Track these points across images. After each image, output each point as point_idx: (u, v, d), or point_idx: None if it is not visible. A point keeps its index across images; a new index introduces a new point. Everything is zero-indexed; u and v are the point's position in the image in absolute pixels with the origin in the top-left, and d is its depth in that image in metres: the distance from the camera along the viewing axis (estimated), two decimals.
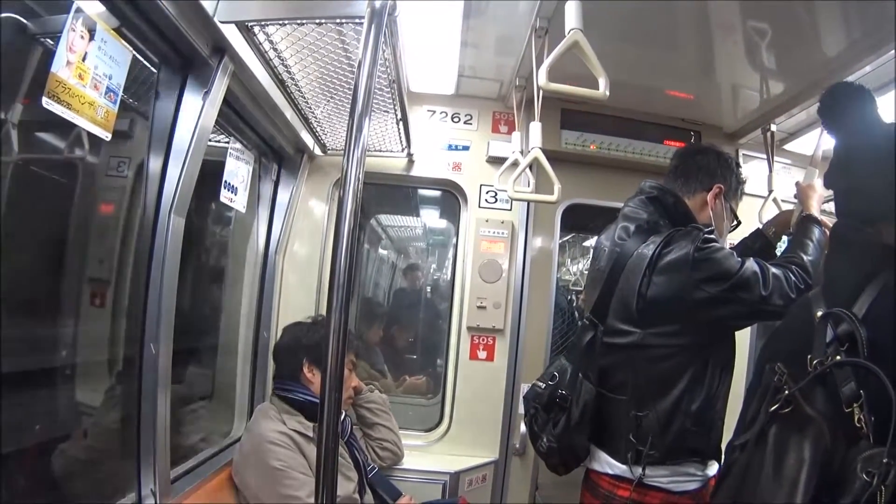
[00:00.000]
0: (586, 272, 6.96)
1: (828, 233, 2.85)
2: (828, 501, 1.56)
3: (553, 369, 2.92)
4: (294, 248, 4.55)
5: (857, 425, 1.53)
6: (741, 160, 4.58)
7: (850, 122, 2.01)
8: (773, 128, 4.16)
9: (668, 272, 2.59)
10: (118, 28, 2.22)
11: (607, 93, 2.36)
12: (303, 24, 2.50)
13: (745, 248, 3.25)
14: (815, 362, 1.70)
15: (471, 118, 4.70)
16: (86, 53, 2.03)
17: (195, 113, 2.72)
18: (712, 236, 2.63)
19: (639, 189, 3.00)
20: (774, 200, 3.94)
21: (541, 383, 2.93)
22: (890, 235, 1.73)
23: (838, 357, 1.64)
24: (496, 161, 4.47)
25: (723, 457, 2.34)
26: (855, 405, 1.55)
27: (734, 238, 3.35)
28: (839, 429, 1.60)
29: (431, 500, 4.12)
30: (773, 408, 1.80)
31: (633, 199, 2.97)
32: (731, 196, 2.99)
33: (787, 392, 1.77)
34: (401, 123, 3.77)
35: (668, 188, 2.93)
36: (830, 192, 2.82)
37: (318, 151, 4.45)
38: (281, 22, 2.49)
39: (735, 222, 3.08)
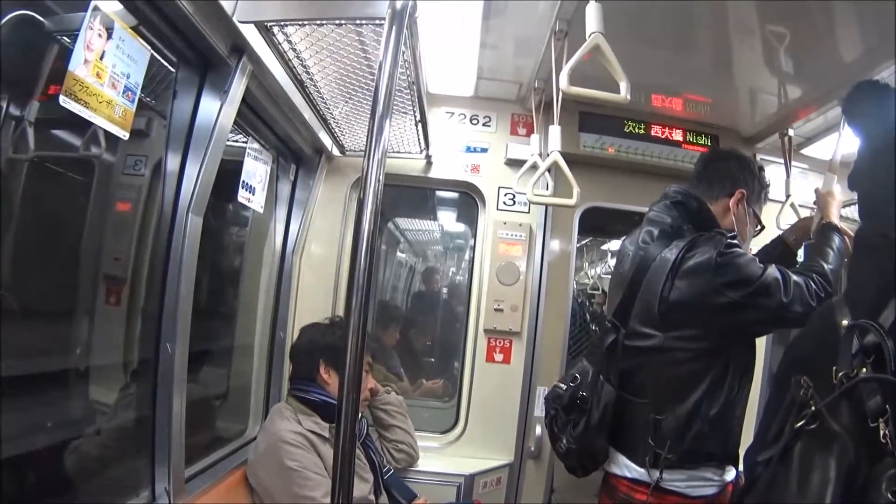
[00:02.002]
0: (604, 276, 6.95)
1: (848, 240, 2.85)
2: None
3: (574, 371, 2.92)
4: (311, 248, 4.56)
5: (883, 441, 1.51)
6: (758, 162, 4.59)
7: (876, 121, 1.98)
8: (791, 132, 4.15)
9: (691, 276, 2.59)
10: (136, 27, 2.22)
11: (629, 96, 2.36)
12: (322, 24, 2.50)
13: (765, 254, 3.24)
14: (840, 375, 1.68)
15: (489, 120, 4.70)
16: (104, 52, 2.02)
17: (213, 112, 2.72)
18: (735, 241, 2.64)
19: (664, 194, 3.00)
20: (792, 205, 3.93)
21: (562, 385, 2.94)
22: None
23: (864, 370, 1.61)
24: (514, 163, 4.47)
25: (741, 466, 2.33)
26: (881, 420, 1.52)
27: (757, 243, 3.34)
28: (864, 442, 1.57)
29: (446, 502, 4.12)
30: (798, 424, 1.78)
31: (658, 204, 2.98)
32: (755, 201, 2.99)
33: (813, 407, 1.75)
34: (419, 125, 3.78)
35: (693, 193, 2.92)
36: (849, 197, 2.79)
37: (336, 152, 4.44)
38: (300, 22, 2.49)
39: (759, 227, 3.08)
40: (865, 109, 2.04)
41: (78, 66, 1.93)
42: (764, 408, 2.14)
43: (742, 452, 2.57)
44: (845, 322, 1.77)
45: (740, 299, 2.51)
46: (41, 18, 2.06)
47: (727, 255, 2.54)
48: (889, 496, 1.43)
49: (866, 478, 1.53)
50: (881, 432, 1.51)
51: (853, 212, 3.74)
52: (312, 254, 4.57)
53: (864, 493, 1.52)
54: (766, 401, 2.20)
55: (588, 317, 6.60)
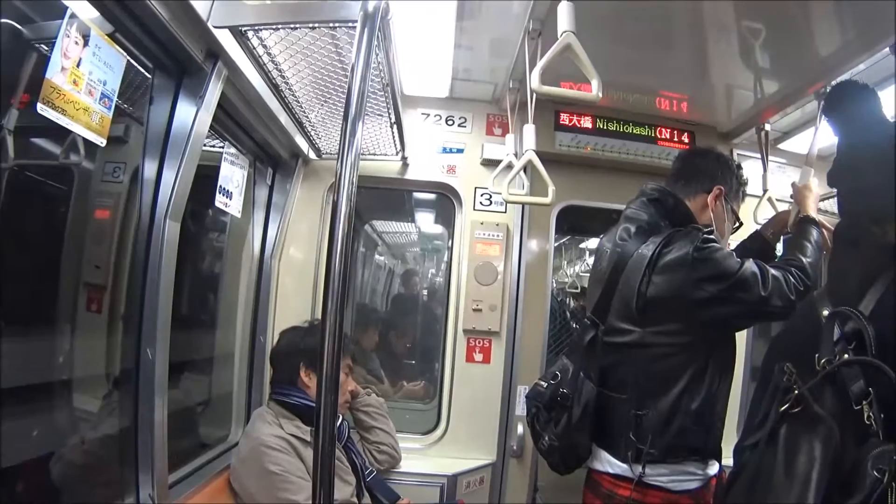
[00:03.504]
0: (583, 274, 6.97)
1: (826, 233, 2.88)
2: (839, 499, 1.57)
3: (555, 368, 2.93)
4: (290, 252, 4.55)
5: (867, 423, 1.55)
6: (736, 160, 4.61)
7: (855, 120, 2.03)
8: (768, 127, 4.19)
9: (668, 271, 2.61)
10: (112, 33, 2.22)
11: (600, 94, 2.36)
12: (296, 28, 2.51)
13: (743, 250, 3.26)
14: (822, 361, 1.71)
15: (465, 121, 4.71)
16: (80, 59, 2.03)
17: (190, 118, 2.72)
18: (712, 237, 2.65)
19: (640, 191, 3.01)
20: (769, 200, 3.95)
21: (543, 382, 2.94)
22: (894, 234, 1.75)
23: (846, 356, 1.66)
24: (491, 163, 4.47)
25: (725, 457, 2.36)
26: (864, 403, 1.57)
27: (735, 238, 3.36)
28: (849, 427, 1.61)
29: (429, 502, 4.12)
30: (783, 408, 1.81)
31: (635, 201, 2.99)
32: (732, 198, 3.01)
33: (796, 392, 1.78)
34: (395, 127, 3.78)
35: (669, 190, 2.94)
36: (826, 190, 2.83)
37: (312, 156, 4.45)
38: (274, 27, 2.50)
39: (737, 223, 3.09)
40: (845, 108, 2.08)
41: (55, 74, 1.93)
42: (752, 399, 2.18)
43: (724, 446, 2.60)
44: (826, 311, 1.81)
45: (718, 294, 2.53)
46: (19, 26, 2.06)
47: (704, 249, 2.56)
48: (875, 473, 1.47)
49: (853, 459, 1.57)
50: (865, 414, 1.55)
51: (830, 205, 3.78)
52: (291, 258, 4.56)
53: (850, 472, 1.56)
54: (752, 393, 2.24)
55: (568, 315, 6.62)
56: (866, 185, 1.90)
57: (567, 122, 4.53)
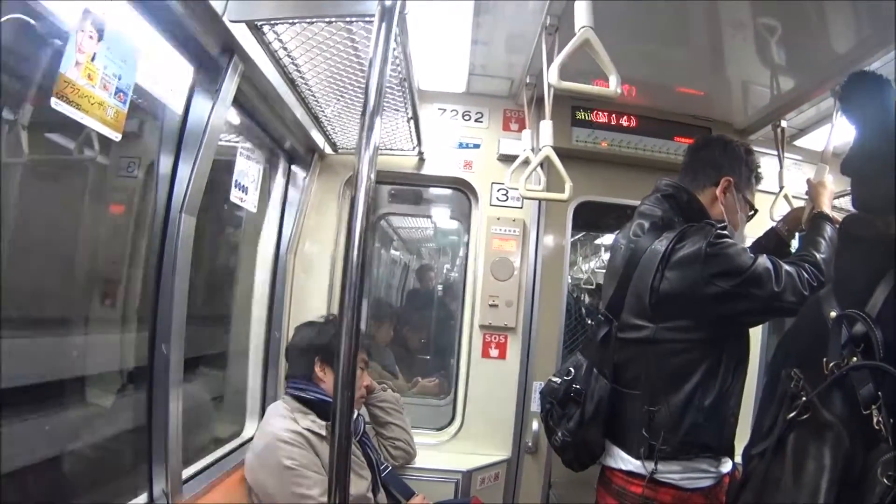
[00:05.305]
0: (598, 270, 6.93)
1: None
2: None
3: (569, 364, 2.93)
4: (305, 247, 4.56)
5: (876, 428, 1.52)
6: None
7: (870, 110, 2.00)
8: (784, 124, 4.15)
9: (681, 267, 2.59)
10: (127, 28, 2.22)
11: (619, 90, 2.35)
12: (312, 22, 2.50)
13: (758, 247, 3.24)
14: (831, 365, 1.69)
15: (481, 116, 4.70)
16: (95, 54, 2.02)
17: (205, 112, 2.72)
18: (725, 232, 2.63)
19: (655, 187, 3.00)
20: (785, 197, 3.93)
21: (556, 378, 2.94)
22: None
23: (854, 359, 1.63)
24: (507, 159, 4.47)
25: (738, 458, 2.34)
26: (873, 407, 1.53)
27: (750, 236, 3.34)
28: (857, 432, 1.58)
29: (444, 499, 4.12)
30: (790, 415, 1.79)
31: (650, 197, 2.98)
32: (744, 186, 2.97)
33: (804, 398, 1.76)
34: (412, 122, 3.77)
35: (683, 185, 2.92)
36: (841, 188, 2.80)
37: (328, 150, 4.45)
38: (290, 21, 2.49)
39: (752, 211, 3.06)
40: (861, 98, 2.06)
41: (69, 68, 1.93)
42: (759, 403, 2.15)
43: (738, 443, 2.58)
44: (833, 313, 1.79)
45: (731, 289, 2.51)
46: (33, 22, 2.06)
47: (717, 245, 2.55)
48: (885, 481, 1.44)
49: (862, 465, 1.55)
50: (874, 419, 1.52)
51: (846, 202, 3.76)
52: (306, 252, 4.57)
53: (859, 479, 1.53)
54: (760, 396, 2.21)
55: (583, 311, 6.60)
56: (874, 176, 1.88)
57: (583, 118, 4.52)
